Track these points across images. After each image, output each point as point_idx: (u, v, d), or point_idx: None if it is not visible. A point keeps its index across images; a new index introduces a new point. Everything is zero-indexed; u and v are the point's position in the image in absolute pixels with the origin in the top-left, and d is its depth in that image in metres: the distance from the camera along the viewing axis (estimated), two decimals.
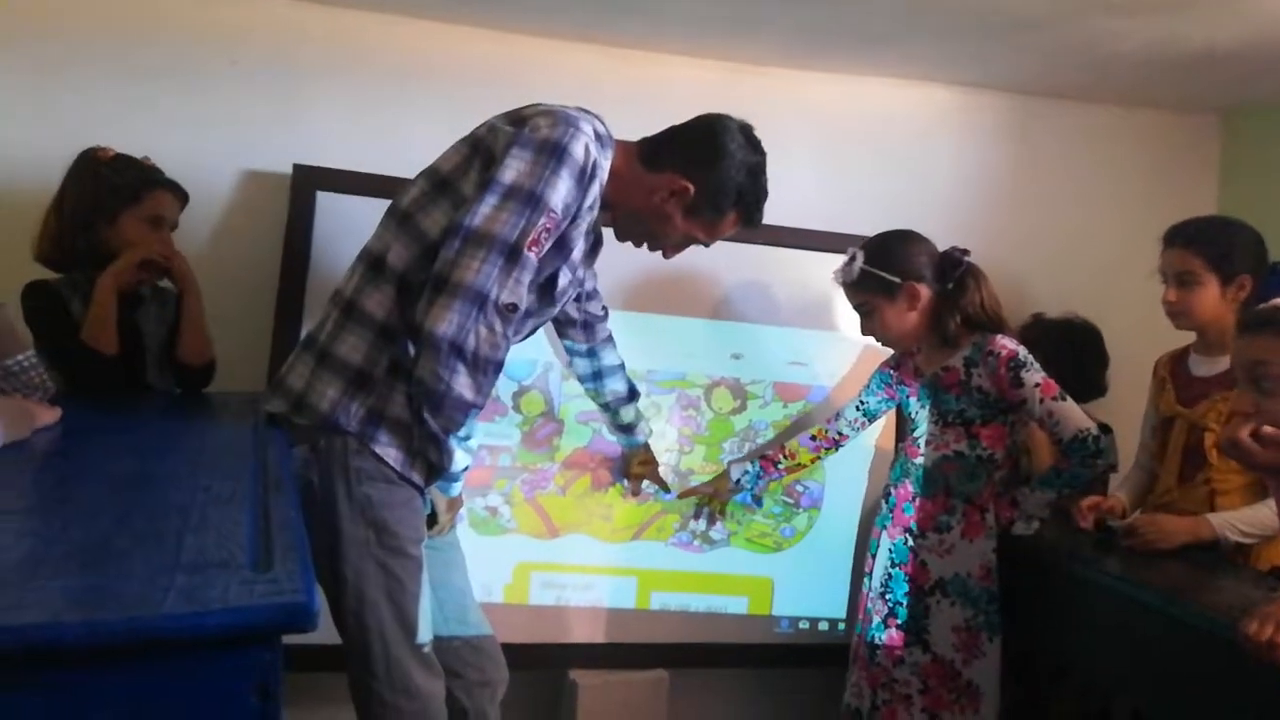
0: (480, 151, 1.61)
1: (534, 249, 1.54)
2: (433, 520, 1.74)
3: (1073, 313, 2.58)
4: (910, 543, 2.08)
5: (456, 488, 1.74)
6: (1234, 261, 1.93)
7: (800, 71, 2.69)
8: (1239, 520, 1.87)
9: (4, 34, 2.23)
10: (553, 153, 1.54)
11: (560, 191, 1.54)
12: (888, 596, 2.11)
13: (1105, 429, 2.12)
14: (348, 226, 2.11)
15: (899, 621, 2.07)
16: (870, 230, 2.14)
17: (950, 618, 2.02)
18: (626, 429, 2.23)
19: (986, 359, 2.00)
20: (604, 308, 2.08)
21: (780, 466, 2.32)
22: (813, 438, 2.31)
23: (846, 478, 2.57)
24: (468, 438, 1.65)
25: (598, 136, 1.62)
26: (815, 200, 2.61)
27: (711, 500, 2.39)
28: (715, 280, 2.49)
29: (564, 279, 1.69)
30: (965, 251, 2.05)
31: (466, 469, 1.70)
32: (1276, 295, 1.50)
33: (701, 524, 2.47)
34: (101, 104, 2.27)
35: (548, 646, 2.42)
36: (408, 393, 1.58)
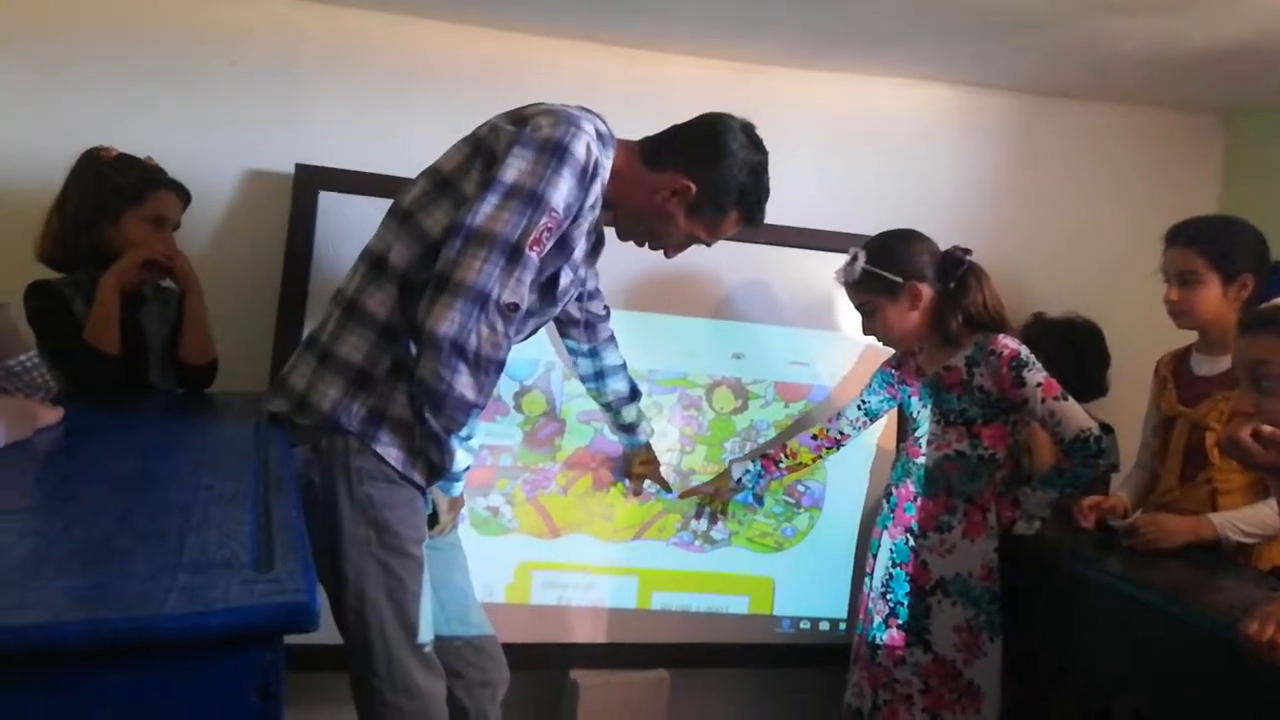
0: (482, 151, 1.61)
1: (535, 248, 1.54)
2: (434, 520, 1.74)
3: (1074, 312, 2.58)
4: (911, 542, 2.08)
5: (458, 487, 1.75)
6: (1236, 261, 1.93)
7: (804, 71, 2.69)
8: (1240, 520, 1.87)
9: (5, 34, 2.23)
10: (554, 152, 1.54)
11: (562, 191, 1.54)
12: (889, 596, 2.11)
13: (1107, 429, 2.11)
14: (350, 226, 2.11)
15: (900, 621, 2.07)
16: (872, 230, 2.14)
17: (951, 617, 2.01)
18: (628, 429, 2.23)
19: (988, 358, 2.00)
20: (606, 307, 2.08)
21: (782, 465, 2.32)
22: (814, 437, 2.31)
23: (848, 477, 2.57)
24: (469, 437, 1.65)
25: (599, 135, 1.62)
26: (817, 200, 2.61)
27: (713, 500, 2.39)
28: (717, 280, 2.49)
29: (565, 278, 1.69)
30: (967, 251, 2.05)
31: (468, 469, 1.70)
32: (1278, 294, 1.50)
33: (703, 524, 2.47)
34: (103, 104, 2.27)
35: (549, 646, 2.43)
36: (409, 392, 1.58)
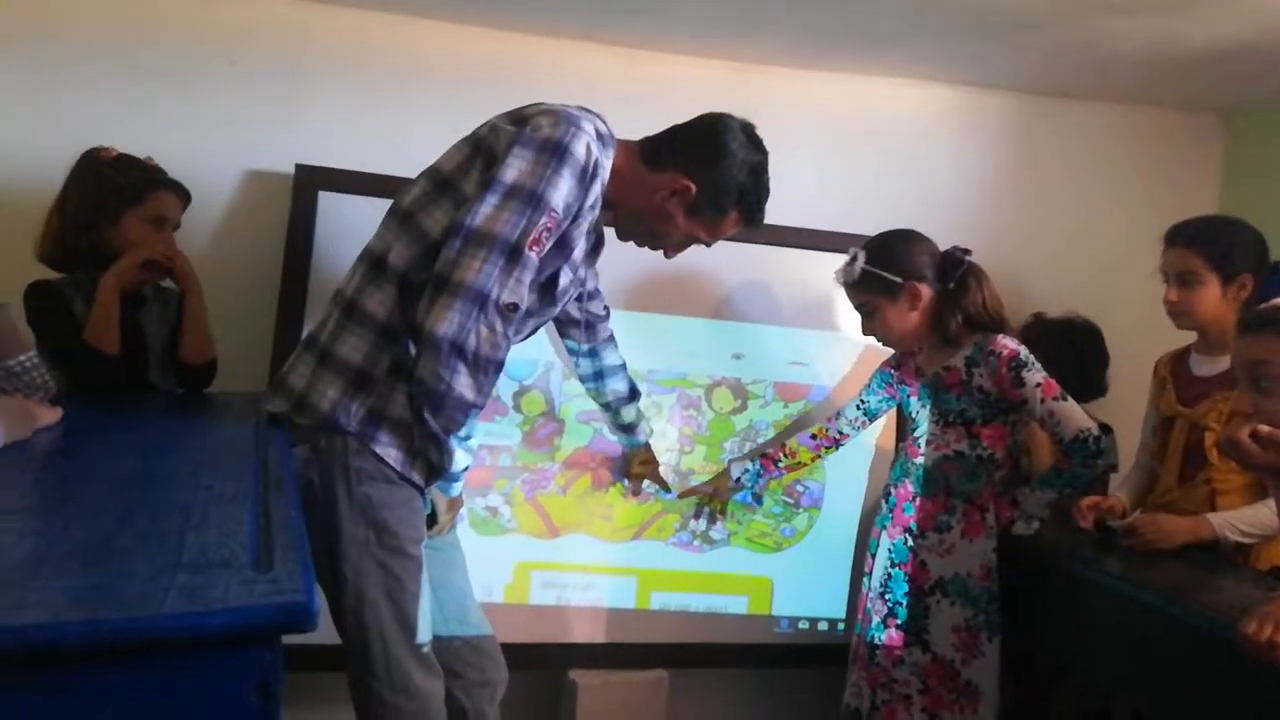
0: (482, 151, 1.61)
1: (535, 248, 1.54)
2: (433, 520, 1.74)
3: (1073, 312, 2.58)
4: (910, 542, 2.08)
5: (457, 488, 1.75)
6: (1235, 261, 1.93)
7: (804, 71, 2.69)
8: (1239, 520, 1.87)
9: (5, 34, 2.23)
10: (554, 152, 1.54)
11: (561, 191, 1.54)
12: (887, 596, 2.11)
13: (1106, 429, 2.12)
14: (349, 226, 2.11)
15: (899, 621, 2.07)
16: (872, 230, 2.14)
17: (950, 617, 2.02)
18: (627, 429, 2.23)
19: (988, 359, 2.00)
20: (605, 307, 2.08)
21: (781, 465, 2.32)
22: (813, 436, 2.31)
23: (846, 477, 2.57)
24: (468, 437, 1.65)
25: (599, 135, 1.62)
26: (817, 200, 2.61)
27: (712, 500, 2.39)
28: (716, 280, 2.49)
29: (565, 278, 1.69)
30: (966, 251, 2.05)
31: (467, 469, 1.70)
32: (1277, 295, 1.50)
33: (702, 524, 2.47)
34: (103, 104, 2.27)
35: (548, 646, 2.43)
36: (408, 393, 1.58)
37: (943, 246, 2.08)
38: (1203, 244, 1.94)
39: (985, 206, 2.80)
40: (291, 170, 2.31)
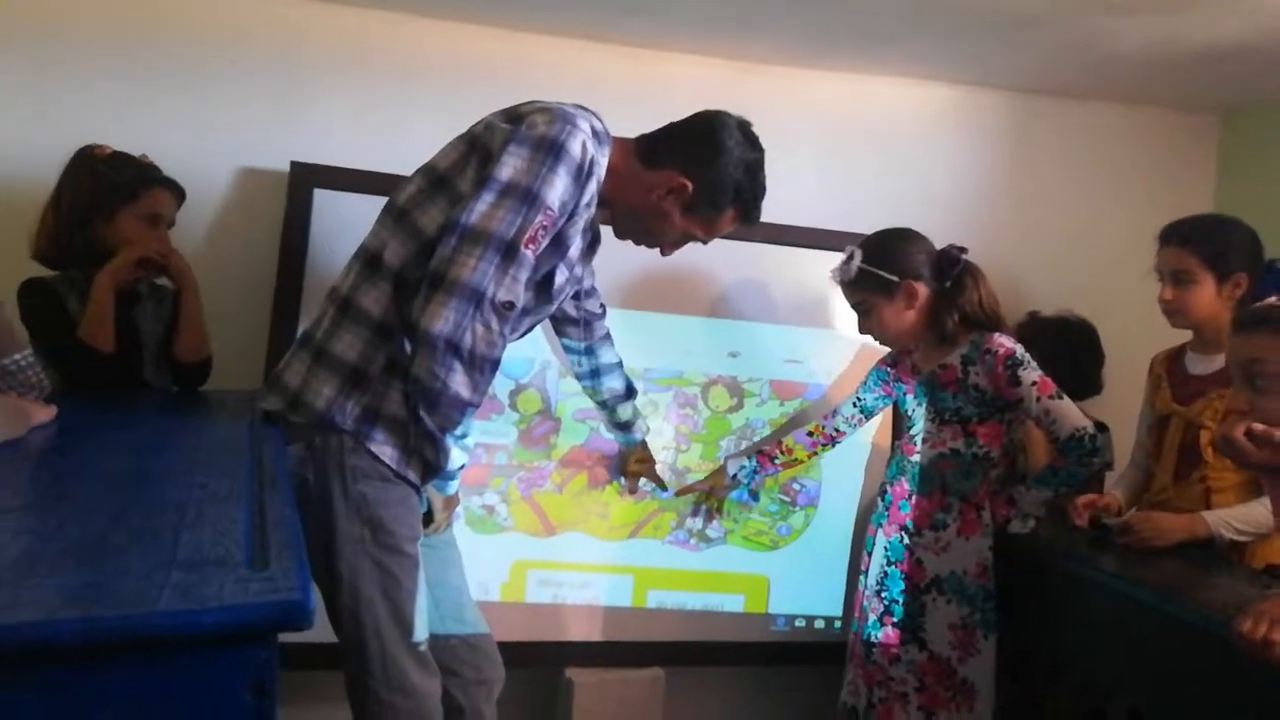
0: (477, 149, 1.61)
1: (531, 247, 1.53)
2: (429, 518, 1.74)
3: (1069, 310, 2.59)
4: (906, 540, 2.09)
5: (453, 486, 1.74)
6: (1230, 260, 1.93)
7: (804, 70, 2.69)
8: (1234, 518, 1.88)
9: (3, 33, 2.23)
10: (550, 150, 1.54)
11: (557, 189, 1.54)
12: (884, 594, 2.11)
13: (1101, 427, 2.12)
14: (345, 224, 2.11)
15: (895, 619, 2.07)
16: (870, 228, 2.14)
17: (946, 616, 2.02)
18: (624, 427, 2.23)
19: (984, 357, 2.00)
20: (602, 305, 2.08)
21: (777, 462, 2.32)
22: (809, 434, 2.31)
23: (843, 476, 2.57)
24: (464, 436, 1.65)
25: (595, 133, 1.62)
26: (815, 198, 2.61)
27: (708, 497, 2.39)
28: (713, 278, 2.49)
29: (561, 277, 1.69)
30: (963, 250, 2.05)
31: (463, 467, 1.70)
32: (1272, 293, 1.50)
33: (699, 522, 2.47)
34: (100, 102, 2.27)
35: (544, 645, 2.43)
36: (404, 391, 1.58)
37: (940, 245, 2.08)
38: (1198, 243, 1.95)
39: (983, 205, 2.80)
40: (287, 168, 2.30)
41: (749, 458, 2.33)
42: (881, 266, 2.03)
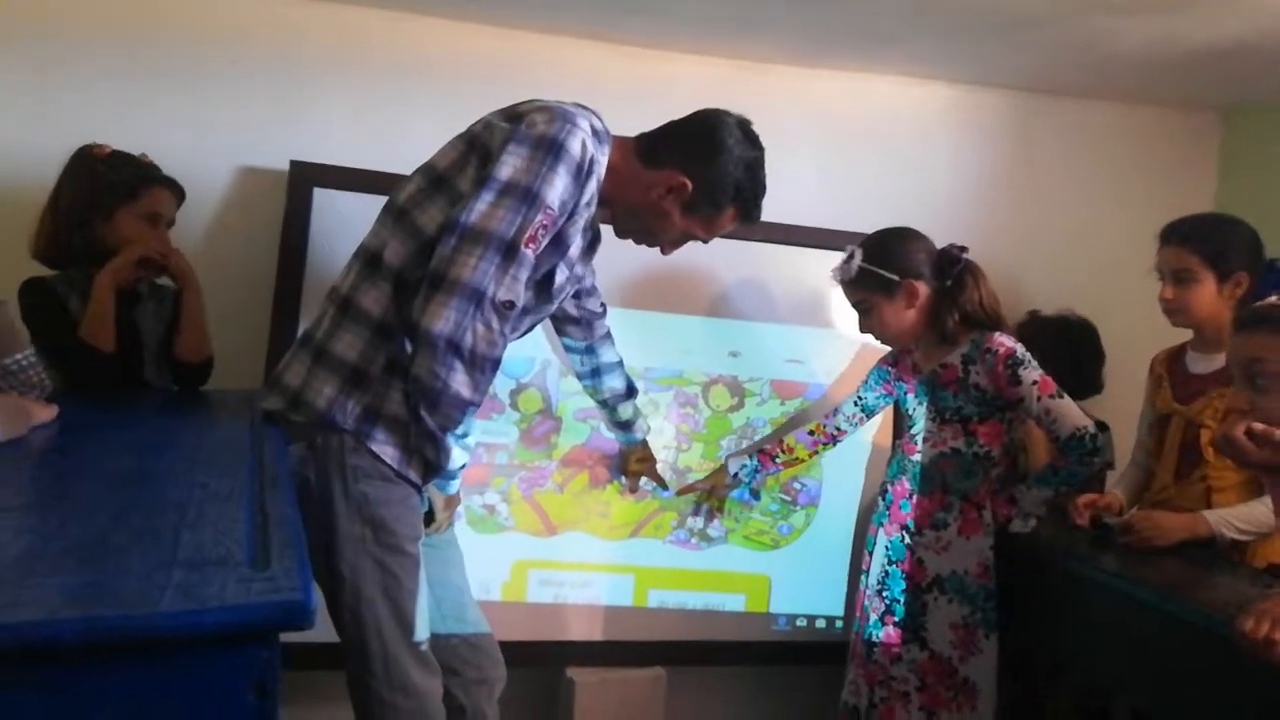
0: (477, 148, 1.61)
1: (531, 246, 1.53)
2: (430, 518, 1.74)
3: (1069, 309, 2.59)
4: (907, 540, 2.09)
5: (454, 485, 1.74)
6: (1230, 259, 1.93)
7: (804, 69, 2.69)
8: (1235, 517, 1.88)
9: (4, 32, 2.23)
10: (549, 149, 1.54)
11: (557, 188, 1.54)
12: (885, 594, 2.11)
13: (1102, 426, 2.12)
14: (345, 223, 2.11)
15: (896, 619, 2.07)
16: (870, 228, 2.14)
17: (947, 615, 2.02)
18: (624, 426, 2.23)
19: (984, 356, 2.00)
20: (602, 304, 2.08)
21: (778, 461, 2.31)
22: (810, 433, 2.31)
23: (844, 475, 2.57)
24: (465, 435, 1.65)
25: (595, 132, 1.62)
26: (815, 197, 2.61)
27: (709, 497, 2.39)
28: (713, 277, 2.49)
29: (561, 276, 1.69)
30: (963, 249, 2.05)
31: (464, 466, 1.70)
32: (1273, 292, 1.50)
33: (699, 521, 2.47)
34: (100, 102, 2.27)
35: (545, 644, 2.42)
36: (405, 390, 1.58)
37: (940, 244, 2.08)
38: (1198, 242, 1.95)
39: (983, 204, 2.80)
40: (286, 167, 2.30)
41: (750, 456, 2.33)
42: (882, 266, 2.03)
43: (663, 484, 2.36)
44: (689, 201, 1.71)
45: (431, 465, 1.61)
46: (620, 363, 2.14)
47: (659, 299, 2.45)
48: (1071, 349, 2.47)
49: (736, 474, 2.33)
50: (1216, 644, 1.47)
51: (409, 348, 1.57)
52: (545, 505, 2.41)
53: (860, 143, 2.74)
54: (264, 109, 2.36)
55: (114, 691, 0.78)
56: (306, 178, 2.29)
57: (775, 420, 2.54)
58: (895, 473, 2.18)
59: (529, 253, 1.53)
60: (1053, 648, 2.11)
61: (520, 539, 2.39)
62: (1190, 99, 2.83)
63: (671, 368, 2.48)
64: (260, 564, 0.89)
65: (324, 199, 2.29)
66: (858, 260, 2.04)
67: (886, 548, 2.14)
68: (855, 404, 2.28)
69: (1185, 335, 2.07)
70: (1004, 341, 2.00)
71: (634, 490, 2.38)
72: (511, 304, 1.53)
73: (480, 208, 1.51)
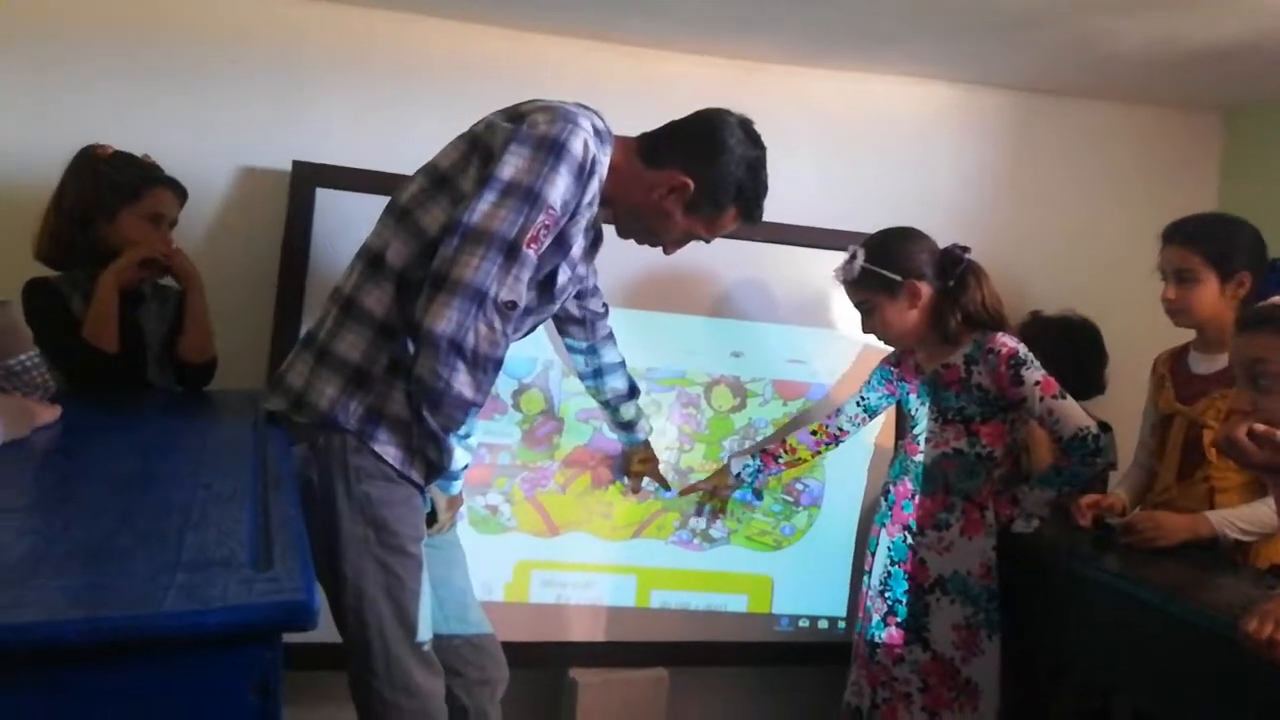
0: (479, 148, 1.61)
1: (533, 246, 1.53)
2: (432, 518, 1.74)
3: (1071, 310, 2.58)
4: (909, 540, 2.09)
5: (456, 486, 1.74)
6: (1233, 259, 1.93)
7: (805, 69, 2.69)
8: (1238, 518, 1.87)
9: (4, 32, 2.23)
10: (551, 149, 1.54)
11: (559, 188, 1.54)
12: (887, 594, 2.11)
13: (1105, 427, 2.12)
14: (347, 224, 2.11)
15: (899, 619, 2.07)
16: (871, 227, 2.14)
17: (950, 616, 2.02)
18: (627, 426, 2.23)
19: (987, 357, 2.00)
20: (604, 304, 2.08)
21: (781, 461, 2.31)
22: (813, 433, 2.31)
23: (846, 475, 2.57)
24: (467, 436, 1.65)
25: (596, 132, 1.62)
26: (816, 197, 2.61)
27: (712, 497, 2.39)
28: (715, 278, 2.49)
29: (563, 276, 1.69)
30: (966, 249, 2.05)
31: (466, 467, 1.70)
32: (1276, 293, 1.50)
33: (702, 522, 2.47)
34: (102, 101, 2.27)
35: (548, 645, 2.43)
36: (407, 391, 1.58)
37: (942, 244, 2.08)
38: (1201, 242, 1.94)
39: (984, 205, 2.80)
40: (288, 167, 2.30)
41: (753, 457, 2.33)
42: (884, 266, 2.03)
43: (665, 484, 2.36)
44: (691, 201, 1.71)
45: (434, 466, 1.61)
46: (622, 363, 2.14)
47: (661, 299, 2.45)
48: (1074, 349, 2.46)
49: (739, 474, 2.33)
50: (1219, 645, 1.47)
51: (411, 348, 1.57)
52: (548, 506, 2.41)
53: (860, 143, 2.74)
54: (265, 109, 2.37)
55: (117, 692, 0.78)
56: (309, 178, 2.30)
57: (777, 421, 2.54)
58: (898, 473, 2.18)
59: (531, 253, 1.53)
60: (1055, 648, 2.11)
61: (522, 539, 2.39)
62: (1192, 99, 2.83)
63: (674, 368, 2.48)
64: (263, 565, 0.89)
65: (326, 199, 2.29)
66: (860, 260, 2.04)
67: (889, 548, 2.13)
68: (858, 404, 2.28)
69: (1188, 335, 2.07)
70: (1006, 342, 2.00)
71: (636, 491, 2.38)
72: (514, 304, 1.53)
73: (482, 208, 1.51)
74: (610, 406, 2.18)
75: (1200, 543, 1.88)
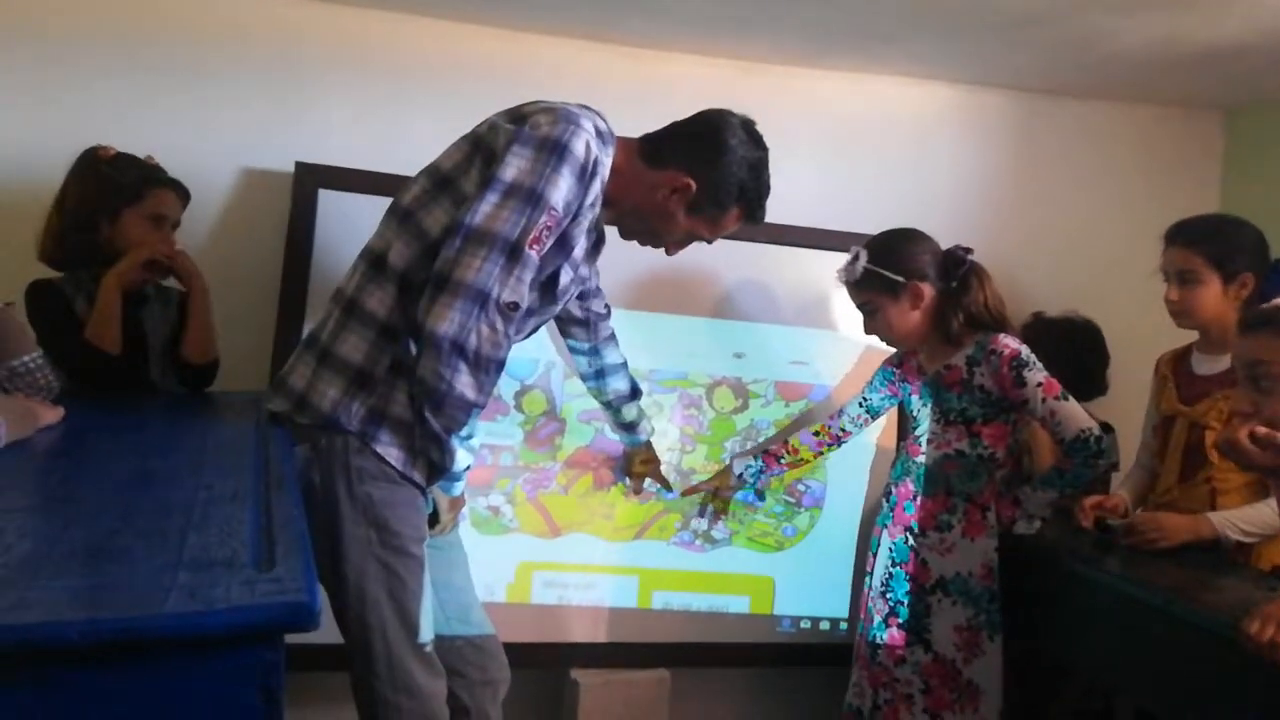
0: (481, 149, 1.61)
1: (535, 247, 1.53)
2: (434, 519, 1.74)
3: (1073, 311, 2.58)
4: (911, 541, 2.08)
5: (458, 487, 1.75)
6: (1236, 260, 1.93)
7: (805, 69, 2.69)
8: (1239, 519, 1.87)
9: (6, 32, 2.23)
10: (553, 150, 1.54)
11: (561, 189, 1.54)
12: (888, 595, 2.10)
13: (1107, 428, 2.11)
14: (350, 225, 2.11)
15: (900, 621, 2.07)
16: (873, 228, 2.14)
17: (951, 617, 2.01)
18: (628, 427, 2.23)
19: (989, 358, 2.00)
20: (606, 305, 2.08)
21: (783, 462, 2.31)
22: (815, 434, 2.31)
23: (848, 477, 2.57)
24: (469, 437, 1.65)
25: (599, 133, 1.62)
26: (818, 198, 2.61)
27: (714, 498, 2.39)
28: (717, 279, 2.49)
29: (566, 277, 1.69)
30: (969, 250, 2.04)
31: (468, 468, 1.70)
32: (1279, 293, 1.50)
33: (704, 523, 2.47)
34: (104, 102, 2.27)
35: (550, 646, 2.43)
36: (409, 392, 1.58)
37: (944, 245, 2.08)
38: (1203, 243, 1.94)
39: (985, 205, 2.80)
40: (291, 168, 2.30)
41: (755, 457, 2.33)
42: (887, 267, 2.02)
43: (667, 486, 2.36)
44: (693, 202, 1.70)
45: (436, 467, 1.61)
46: (625, 364, 2.14)
47: (663, 300, 2.45)
48: (1076, 350, 2.46)
49: (741, 475, 2.32)
50: (1221, 646, 1.47)
51: (414, 349, 1.57)
52: (549, 507, 2.41)
53: (861, 143, 2.74)
54: (265, 109, 2.37)
55: (118, 693, 0.78)
56: (312, 179, 2.30)
57: (780, 422, 2.54)
58: (899, 474, 2.18)
59: (533, 254, 1.53)
60: (1057, 649, 2.10)
61: (524, 540, 2.39)
62: (1193, 99, 2.83)
63: (676, 369, 2.48)
64: (265, 565, 0.89)
65: (329, 200, 2.30)
66: (863, 262, 2.04)
67: (890, 549, 2.13)
68: (860, 405, 2.28)
69: (1190, 336, 2.07)
70: (1009, 343, 2.00)
71: (638, 492, 2.38)
72: (516, 305, 1.54)
73: (484, 209, 1.51)
74: (612, 408, 2.18)
75: (1202, 544, 1.88)
